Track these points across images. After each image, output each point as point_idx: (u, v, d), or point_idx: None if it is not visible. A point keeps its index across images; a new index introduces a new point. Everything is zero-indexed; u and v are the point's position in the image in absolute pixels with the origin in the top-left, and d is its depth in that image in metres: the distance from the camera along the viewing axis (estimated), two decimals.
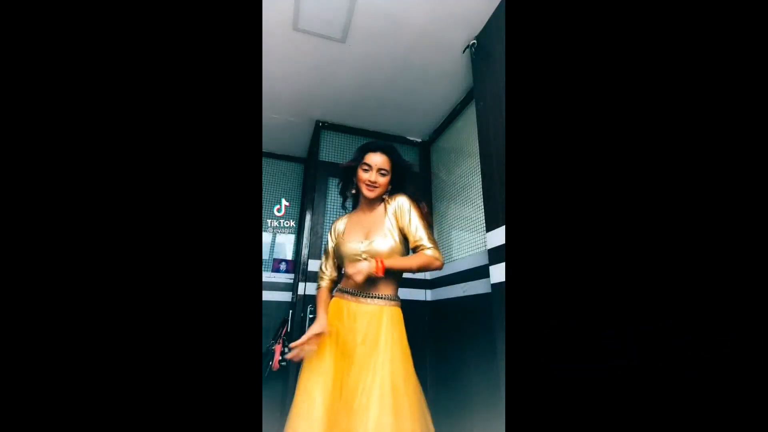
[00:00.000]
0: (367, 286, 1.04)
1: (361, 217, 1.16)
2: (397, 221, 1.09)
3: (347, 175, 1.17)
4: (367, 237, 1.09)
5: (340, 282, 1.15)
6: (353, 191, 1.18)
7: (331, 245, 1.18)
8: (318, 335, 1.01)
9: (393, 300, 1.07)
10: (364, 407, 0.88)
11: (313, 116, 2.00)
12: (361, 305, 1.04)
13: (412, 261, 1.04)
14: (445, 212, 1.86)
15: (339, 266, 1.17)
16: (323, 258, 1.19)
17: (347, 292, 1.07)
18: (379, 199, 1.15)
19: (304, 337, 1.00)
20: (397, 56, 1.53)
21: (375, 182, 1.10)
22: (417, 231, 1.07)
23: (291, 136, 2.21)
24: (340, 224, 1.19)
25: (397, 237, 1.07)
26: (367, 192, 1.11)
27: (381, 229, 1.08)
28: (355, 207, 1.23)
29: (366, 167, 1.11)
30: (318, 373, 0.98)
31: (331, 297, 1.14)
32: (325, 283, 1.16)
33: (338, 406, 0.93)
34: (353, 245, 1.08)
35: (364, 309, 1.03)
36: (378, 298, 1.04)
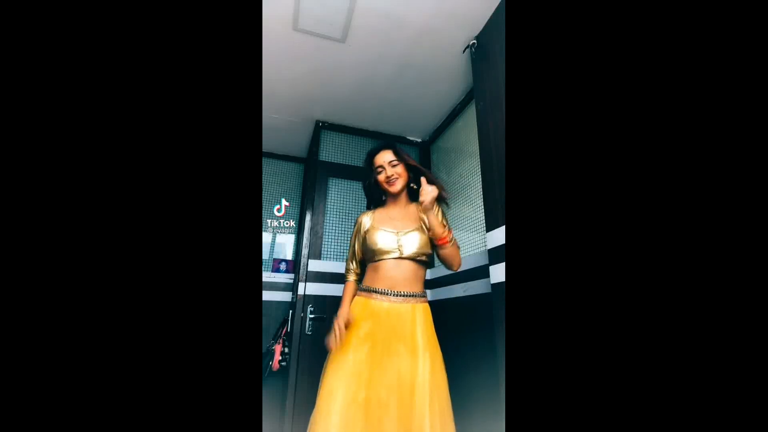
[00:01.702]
0: (398, 284, 1.07)
1: (390, 212, 1.20)
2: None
3: (373, 189, 1.24)
4: (400, 229, 1.13)
5: (362, 279, 1.16)
6: (383, 198, 1.24)
7: (356, 241, 1.20)
8: (347, 325, 1.04)
9: (423, 296, 1.11)
10: (417, 404, 0.92)
11: (313, 116, 2.00)
12: (394, 304, 1.05)
13: (456, 247, 1.12)
14: (445, 212, 1.85)
15: (362, 261, 1.18)
16: (349, 254, 1.21)
17: (376, 292, 1.08)
18: (406, 195, 1.22)
19: (337, 334, 1.02)
20: (397, 56, 1.53)
21: (392, 175, 1.17)
22: (446, 227, 1.13)
23: (291, 136, 2.21)
24: (366, 219, 1.21)
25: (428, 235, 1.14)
26: (391, 188, 1.17)
27: (416, 224, 1.14)
28: (378, 205, 1.26)
29: (380, 169, 1.19)
30: (349, 373, 0.97)
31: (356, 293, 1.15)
32: (351, 277, 1.18)
33: (377, 405, 0.93)
34: (386, 234, 1.12)
35: (397, 308, 1.05)
36: (409, 296, 1.07)
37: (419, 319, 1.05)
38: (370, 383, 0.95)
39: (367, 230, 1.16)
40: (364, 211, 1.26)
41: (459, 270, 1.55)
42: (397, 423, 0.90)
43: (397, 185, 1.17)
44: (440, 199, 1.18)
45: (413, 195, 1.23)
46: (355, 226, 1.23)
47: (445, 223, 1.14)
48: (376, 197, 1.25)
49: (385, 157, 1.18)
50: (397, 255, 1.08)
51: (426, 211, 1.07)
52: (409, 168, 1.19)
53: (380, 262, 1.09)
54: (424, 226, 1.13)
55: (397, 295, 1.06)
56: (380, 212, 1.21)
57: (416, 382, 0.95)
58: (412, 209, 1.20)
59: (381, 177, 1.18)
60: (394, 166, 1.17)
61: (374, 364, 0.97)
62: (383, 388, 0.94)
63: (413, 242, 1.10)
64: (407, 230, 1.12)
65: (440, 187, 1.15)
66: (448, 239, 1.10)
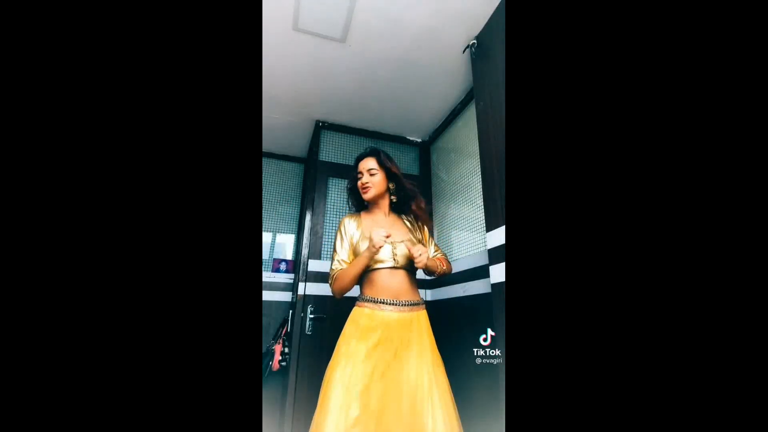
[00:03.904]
0: (401, 294, 1.08)
1: (376, 219, 1.21)
2: (414, 234, 1.22)
3: (351, 190, 1.28)
4: (393, 238, 1.13)
5: (361, 289, 1.13)
6: (364, 202, 1.26)
7: (340, 241, 1.17)
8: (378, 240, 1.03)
9: (423, 304, 1.13)
10: (428, 410, 0.93)
11: (313, 116, 2.00)
12: (402, 314, 1.06)
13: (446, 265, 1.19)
14: (445, 212, 1.86)
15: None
16: (335, 258, 1.16)
17: (383, 302, 1.06)
18: (388, 203, 1.24)
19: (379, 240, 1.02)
20: (397, 56, 1.53)
21: (367, 182, 1.19)
22: (432, 246, 1.25)
23: (291, 136, 2.21)
24: (351, 224, 1.19)
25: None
26: (363, 194, 1.20)
27: (406, 235, 1.18)
28: (360, 209, 1.28)
29: (359, 175, 1.22)
30: (361, 386, 0.94)
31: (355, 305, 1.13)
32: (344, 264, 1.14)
33: (391, 414, 0.92)
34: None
35: (406, 318, 1.06)
36: (414, 305, 1.09)
37: (423, 326, 1.08)
38: (383, 393, 0.94)
39: (358, 238, 1.15)
40: (348, 213, 1.25)
41: (459, 270, 1.57)
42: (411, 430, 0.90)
43: (369, 193, 1.18)
44: (424, 219, 1.24)
45: (393, 205, 1.25)
46: (339, 227, 1.20)
47: (440, 256, 1.22)
48: (355, 200, 1.28)
49: (367, 164, 1.20)
50: (392, 264, 1.09)
51: (427, 266, 1.11)
52: (389, 177, 1.21)
53: (375, 271, 1.09)
54: (414, 238, 1.18)
55: (404, 305, 1.07)
56: (366, 219, 1.21)
57: (425, 388, 0.96)
58: (395, 218, 1.24)
59: (359, 183, 1.21)
60: (372, 174, 1.19)
61: (387, 374, 0.97)
62: (396, 397, 0.94)
63: (405, 252, 1.11)
64: (399, 240, 1.14)
65: (421, 204, 1.22)
66: (449, 270, 1.17)
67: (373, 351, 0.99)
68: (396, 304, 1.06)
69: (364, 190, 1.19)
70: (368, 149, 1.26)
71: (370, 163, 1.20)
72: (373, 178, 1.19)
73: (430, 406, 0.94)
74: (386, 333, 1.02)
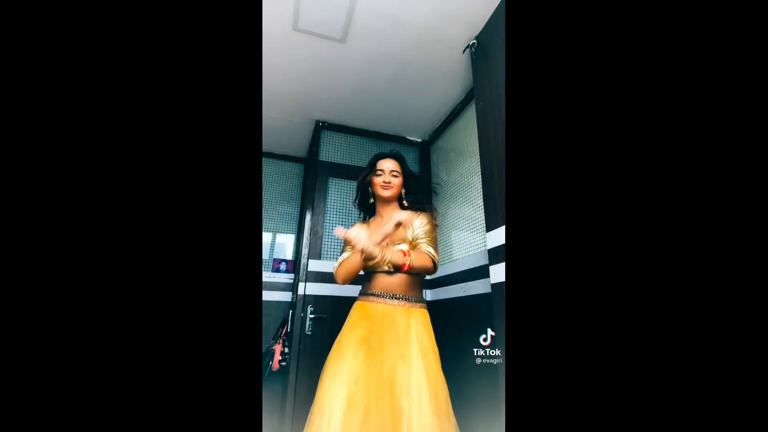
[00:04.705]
0: (394, 288, 1.10)
1: (381, 224, 1.21)
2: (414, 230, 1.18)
3: (364, 187, 1.27)
4: (390, 243, 1.14)
5: (363, 286, 1.18)
6: (371, 200, 1.27)
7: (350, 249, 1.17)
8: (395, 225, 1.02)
9: (419, 301, 1.13)
10: (404, 406, 0.92)
11: (313, 116, 2.00)
12: (388, 306, 1.08)
13: (420, 261, 1.10)
14: (445, 212, 1.85)
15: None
16: (346, 249, 1.19)
17: (372, 295, 1.11)
18: (397, 207, 1.25)
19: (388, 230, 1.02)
20: (397, 56, 1.53)
21: (389, 182, 1.21)
22: (423, 234, 1.15)
23: (291, 136, 2.21)
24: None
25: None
26: (383, 192, 1.21)
27: (405, 240, 1.16)
28: (369, 216, 1.30)
29: (379, 173, 1.22)
30: (347, 377, 0.97)
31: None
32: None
33: (375, 407, 0.93)
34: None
35: (392, 310, 1.07)
36: (404, 299, 1.10)
37: (414, 323, 1.06)
38: (367, 387, 0.95)
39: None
40: (359, 221, 1.29)
41: (459, 270, 1.57)
42: (392, 426, 0.90)
43: (389, 192, 1.20)
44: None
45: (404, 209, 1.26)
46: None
47: (424, 250, 1.13)
48: (365, 197, 1.28)
49: (390, 164, 1.23)
50: (387, 268, 1.10)
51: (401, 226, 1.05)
52: (405, 184, 1.24)
53: (374, 273, 1.13)
54: (409, 242, 1.14)
55: (392, 298, 1.09)
56: (373, 224, 1.24)
57: (410, 386, 0.95)
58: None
59: (377, 179, 1.22)
60: (395, 176, 1.22)
61: (371, 367, 0.98)
62: (379, 391, 0.94)
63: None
64: (397, 244, 1.14)
65: (430, 213, 1.21)
66: (407, 265, 1.08)
67: (361, 343, 1.02)
68: (385, 296, 1.09)
69: (384, 188, 1.20)
70: (392, 151, 1.29)
71: (393, 165, 1.23)
72: (394, 179, 1.22)
73: (407, 402, 0.93)
74: (372, 325, 1.04)
